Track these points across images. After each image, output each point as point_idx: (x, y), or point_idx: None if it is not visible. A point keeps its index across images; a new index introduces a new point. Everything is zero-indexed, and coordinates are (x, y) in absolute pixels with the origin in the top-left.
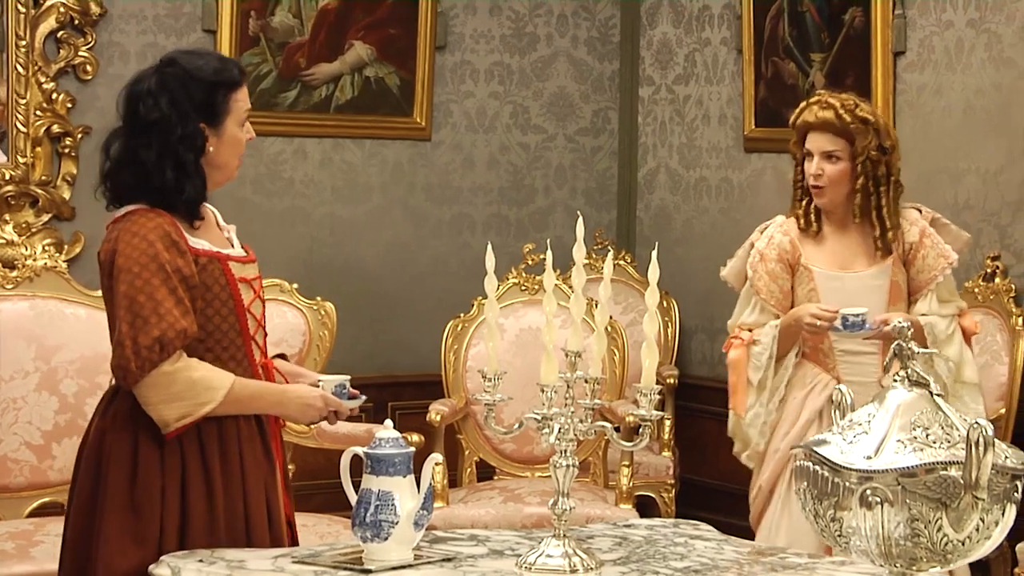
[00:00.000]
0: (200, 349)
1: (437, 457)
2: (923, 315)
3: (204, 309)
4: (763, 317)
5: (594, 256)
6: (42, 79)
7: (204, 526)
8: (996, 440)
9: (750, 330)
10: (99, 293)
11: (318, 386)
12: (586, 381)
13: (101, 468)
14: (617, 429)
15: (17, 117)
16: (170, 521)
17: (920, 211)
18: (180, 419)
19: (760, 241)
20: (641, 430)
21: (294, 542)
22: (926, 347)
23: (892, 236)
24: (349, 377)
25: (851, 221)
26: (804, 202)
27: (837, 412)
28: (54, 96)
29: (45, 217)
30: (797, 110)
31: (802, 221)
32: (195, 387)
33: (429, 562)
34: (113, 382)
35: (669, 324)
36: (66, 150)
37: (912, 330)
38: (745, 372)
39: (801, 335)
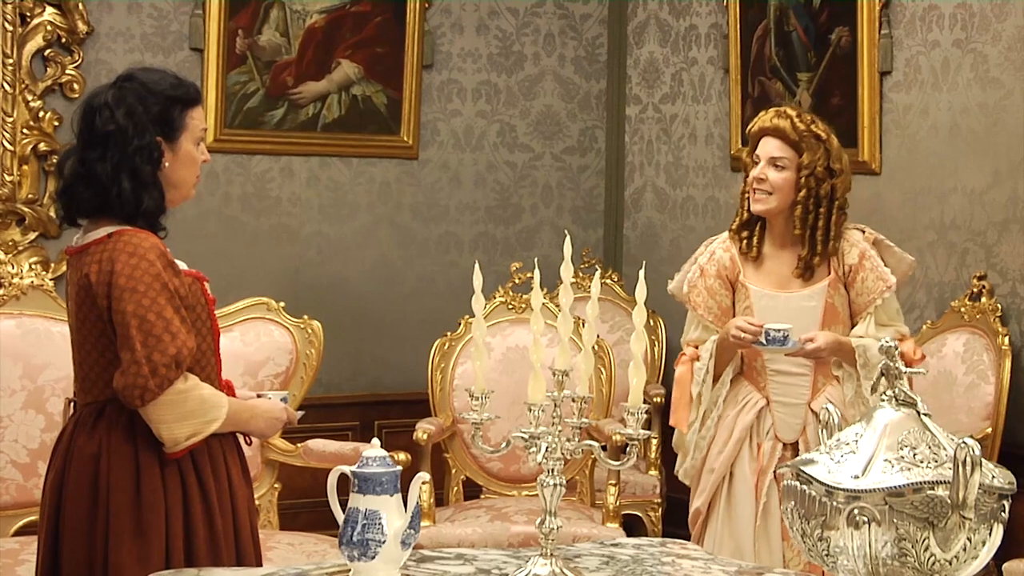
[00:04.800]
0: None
1: (424, 476)
2: (859, 337)
3: (191, 328)
4: (706, 333)
5: (581, 275)
6: (29, 97)
7: (207, 544)
8: (983, 460)
9: (696, 346)
10: None
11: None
12: (573, 400)
13: (99, 493)
14: (604, 448)
15: (4, 135)
16: (175, 542)
17: (863, 231)
18: (190, 437)
19: (703, 257)
20: (628, 449)
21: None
22: (856, 369)
23: (819, 261)
24: (288, 392)
25: (789, 240)
26: (747, 218)
27: (824, 431)
28: (41, 114)
29: (32, 235)
30: (755, 119)
31: (743, 244)
32: (204, 405)
33: None
34: (75, 405)
35: (656, 343)
36: (53, 168)
37: (891, 349)
38: (689, 387)
39: (739, 351)
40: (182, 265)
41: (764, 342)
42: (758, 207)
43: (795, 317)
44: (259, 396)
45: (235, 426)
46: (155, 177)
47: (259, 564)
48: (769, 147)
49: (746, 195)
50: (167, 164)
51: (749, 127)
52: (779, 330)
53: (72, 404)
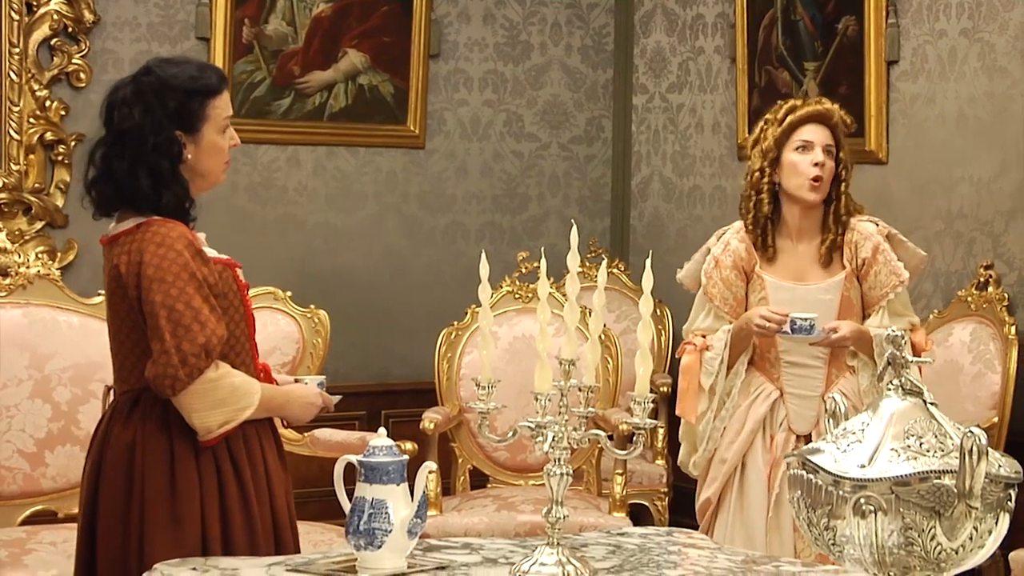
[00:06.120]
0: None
1: (431, 465)
2: (874, 328)
3: (221, 316)
4: (717, 323)
5: (588, 264)
6: (35, 86)
7: (244, 531)
8: (989, 449)
9: (704, 336)
10: (94, 301)
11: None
12: (580, 389)
13: (134, 482)
14: (611, 437)
15: (10, 124)
16: (211, 529)
17: (877, 224)
18: (222, 425)
19: (716, 247)
20: (635, 438)
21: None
22: (874, 359)
23: (838, 243)
24: (325, 376)
25: (805, 233)
26: (762, 210)
27: (831, 421)
28: (47, 104)
29: (38, 224)
30: (787, 106)
31: (758, 239)
32: (236, 392)
33: (423, 570)
34: (114, 393)
35: (662, 332)
36: (59, 158)
37: (897, 338)
38: (697, 378)
39: (752, 341)
40: (212, 252)
41: (790, 331)
42: (815, 196)
43: (812, 309)
44: (296, 381)
45: (269, 412)
46: (175, 172)
47: (297, 550)
48: (822, 135)
49: (767, 186)
50: (190, 156)
51: (783, 112)
52: (805, 319)
53: (111, 392)
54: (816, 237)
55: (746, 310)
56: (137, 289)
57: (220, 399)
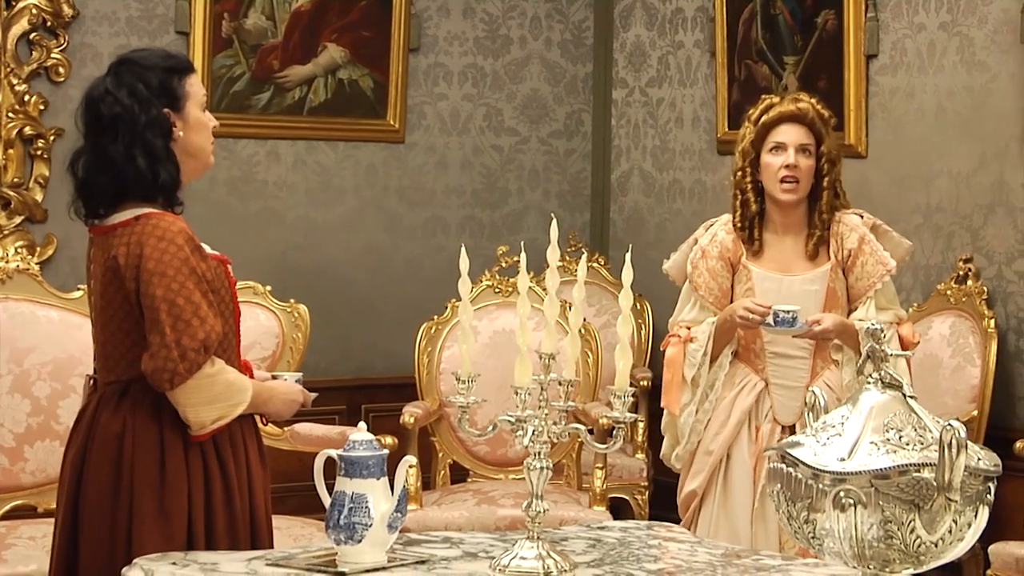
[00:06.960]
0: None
1: (411, 459)
2: (859, 321)
3: (217, 312)
4: (702, 314)
5: (568, 258)
6: (14, 81)
7: (226, 527)
8: (968, 442)
9: (688, 328)
10: (73, 295)
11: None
12: (560, 383)
13: (122, 471)
14: (591, 431)
15: None
16: (197, 523)
17: (861, 216)
18: (216, 421)
19: (704, 238)
20: (615, 432)
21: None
22: (859, 352)
23: (824, 238)
24: (302, 373)
25: (791, 227)
26: (750, 208)
27: (811, 414)
28: (26, 98)
29: (17, 219)
30: (762, 106)
31: (744, 234)
32: (231, 388)
33: (403, 564)
34: (94, 383)
35: (643, 326)
36: (38, 152)
37: (877, 331)
38: (681, 369)
39: (737, 333)
40: (208, 248)
41: (772, 323)
42: (790, 196)
43: (797, 301)
44: (274, 377)
45: (255, 408)
46: (168, 150)
47: (271, 547)
48: (795, 134)
49: (749, 185)
50: (180, 134)
51: (757, 114)
52: (788, 311)
53: (92, 382)
54: (802, 232)
55: (732, 302)
56: (136, 281)
57: (216, 395)
